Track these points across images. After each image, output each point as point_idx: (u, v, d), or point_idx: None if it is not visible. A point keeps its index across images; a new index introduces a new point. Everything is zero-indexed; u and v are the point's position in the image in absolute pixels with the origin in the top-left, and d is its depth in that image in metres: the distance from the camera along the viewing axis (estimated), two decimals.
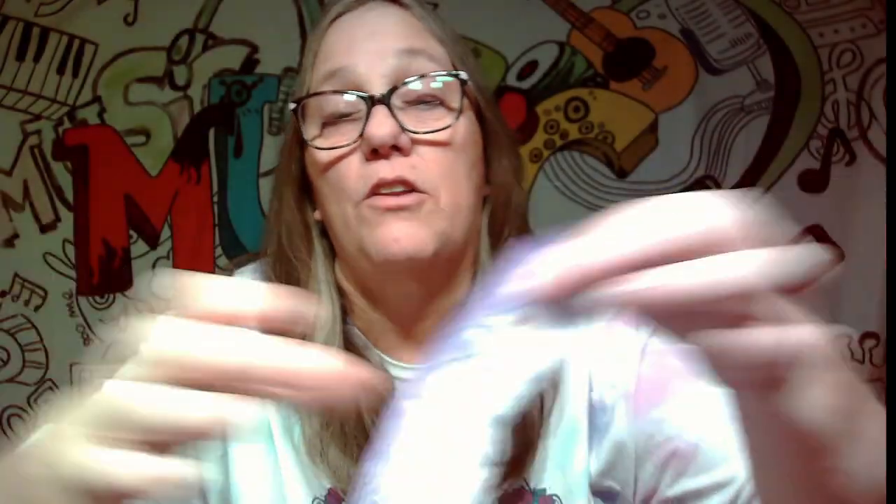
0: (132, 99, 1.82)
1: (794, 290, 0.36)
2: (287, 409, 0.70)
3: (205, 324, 0.35)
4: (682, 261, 0.33)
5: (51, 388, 1.84)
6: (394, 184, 0.64)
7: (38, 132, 1.83)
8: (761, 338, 0.35)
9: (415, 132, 0.65)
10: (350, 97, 0.66)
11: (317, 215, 0.73)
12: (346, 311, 0.72)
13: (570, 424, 0.69)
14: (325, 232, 0.73)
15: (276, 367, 0.35)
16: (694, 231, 0.34)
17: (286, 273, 0.71)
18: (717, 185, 1.69)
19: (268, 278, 0.73)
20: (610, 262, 0.34)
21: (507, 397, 0.37)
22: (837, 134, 1.65)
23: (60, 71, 1.82)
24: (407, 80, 0.66)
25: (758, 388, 0.38)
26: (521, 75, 1.74)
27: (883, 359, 1.60)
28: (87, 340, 1.83)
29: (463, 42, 0.72)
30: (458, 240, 0.68)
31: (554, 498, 0.69)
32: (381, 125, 0.64)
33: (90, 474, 0.35)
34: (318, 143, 0.68)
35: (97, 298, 1.83)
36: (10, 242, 1.84)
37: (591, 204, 1.71)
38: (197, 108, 1.81)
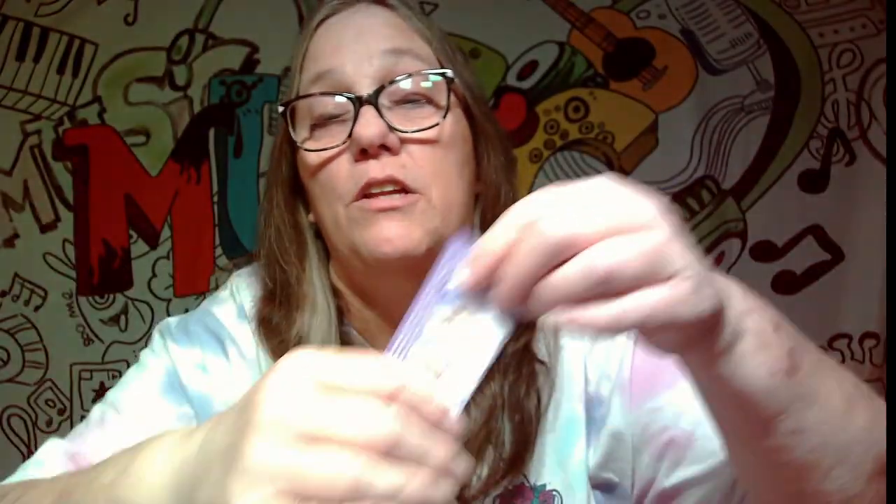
0: (132, 99, 1.82)
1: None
2: None
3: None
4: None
5: (51, 388, 1.84)
6: (384, 183, 0.65)
7: (38, 132, 1.83)
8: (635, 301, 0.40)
9: (403, 131, 0.66)
10: (338, 98, 0.67)
11: (310, 217, 0.73)
12: (342, 312, 0.72)
13: (568, 419, 0.70)
14: (319, 233, 0.73)
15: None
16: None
17: (279, 275, 0.72)
18: (717, 185, 1.69)
19: (262, 281, 0.74)
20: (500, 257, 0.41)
21: (463, 379, 0.43)
22: (837, 134, 1.65)
23: (60, 71, 1.82)
24: (394, 79, 0.66)
25: (693, 351, 0.44)
26: (521, 75, 1.74)
27: (883, 359, 1.60)
28: (87, 340, 1.83)
29: (450, 40, 0.73)
30: (451, 237, 0.68)
31: (554, 493, 0.69)
32: (368, 125, 0.64)
33: None
34: (308, 145, 0.68)
35: (97, 298, 1.83)
36: (10, 242, 1.84)
37: None
38: (197, 108, 1.81)
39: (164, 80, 1.81)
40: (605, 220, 0.40)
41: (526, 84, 1.74)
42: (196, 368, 0.72)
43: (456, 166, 0.68)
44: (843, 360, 1.61)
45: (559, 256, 0.40)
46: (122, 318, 1.82)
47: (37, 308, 1.84)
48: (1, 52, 1.82)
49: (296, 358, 0.40)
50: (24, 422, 1.84)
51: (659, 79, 1.70)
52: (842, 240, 1.63)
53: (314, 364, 0.39)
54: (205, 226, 1.81)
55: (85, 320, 1.83)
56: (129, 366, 0.76)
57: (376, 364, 0.40)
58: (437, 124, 0.67)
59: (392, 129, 0.65)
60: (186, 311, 0.80)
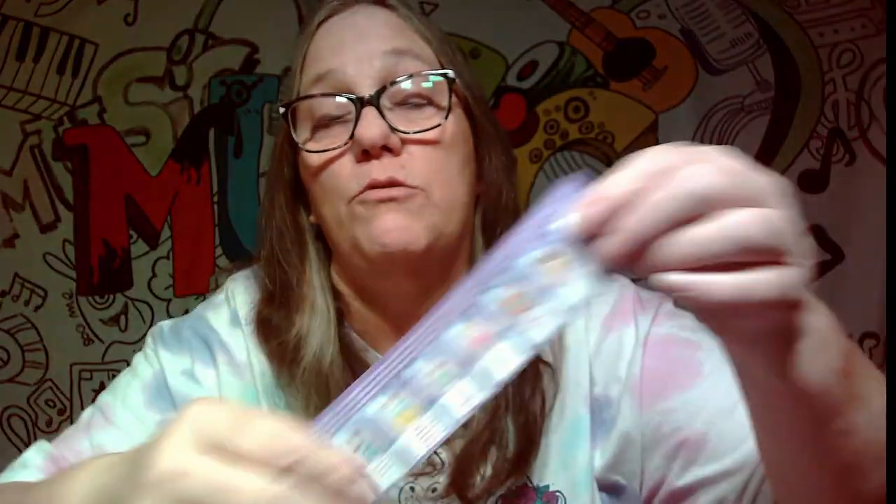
0: (132, 99, 1.82)
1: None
2: None
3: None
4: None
5: (51, 388, 1.84)
6: (385, 185, 0.65)
7: (38, 132, 1.83)
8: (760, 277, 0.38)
9: (404, 132, 0.66)
10: (339, 99, 0.67)
11: (312, 219, 0.73)
12: (342, 315, 0.72)
13: (572, 421, 0.69)
14: (320, 235, 0.73)
15: None
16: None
17: (279, 276, 0.72)
18: None
19: (261, 282, 0.74)
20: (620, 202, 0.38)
21: (545, 326, 0.40)
22: (837, 134, 1.65)
23: (60, 71, 1.82)
24: (395, 80, 0.66)
25: (763, 343, 0.41)
26: (521, 75, 1.74)
27: (883, 359, 1.60)
28: (87, 340, 1.83)
29: (450, 40, 0.73)
30: (452, 235, 0.68)
31: (558, 494, 0.69)
32: (370, 126, 0.65)
33: None
34: (310, 146, 0.69)
35: (97, 298, 1.83)
36: (10, 242, 1.84)
37: None
38: (197, 108, 1.81)
39: (164, 80, 1.81)
40: (747, 187, 0.38)
41: (526, 84, 1.73)
42: (183, 375, 0.72)
43: (457, 167, 0.69)
44: None
45: (692, 213, 0.37)
46: (122, 318, 1.82)
47: (37, 308, 1.84)
48: (1, 52, 1.82)
49: (197, 414, 0.37)
50: (24, 422, 1.84)
51: (659, 79, 1.70)
52: (842, 240, 1.63)
53: (214, 423, 0.37)
54: (205, 226, 1.81)
55: (85, 320, 1.83)
56: (128, 366, 0.76)
57: (277, 433, 0.37)
58: (439, 125, 0.67)
59: (394, 129, 0.65)
60: (186, 311, 0.79)
